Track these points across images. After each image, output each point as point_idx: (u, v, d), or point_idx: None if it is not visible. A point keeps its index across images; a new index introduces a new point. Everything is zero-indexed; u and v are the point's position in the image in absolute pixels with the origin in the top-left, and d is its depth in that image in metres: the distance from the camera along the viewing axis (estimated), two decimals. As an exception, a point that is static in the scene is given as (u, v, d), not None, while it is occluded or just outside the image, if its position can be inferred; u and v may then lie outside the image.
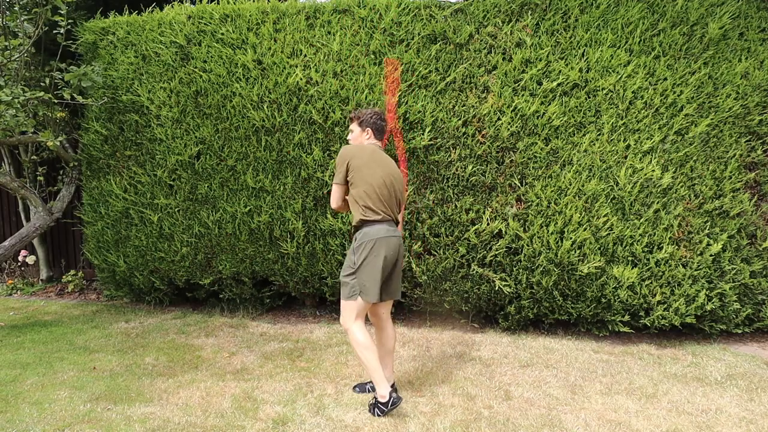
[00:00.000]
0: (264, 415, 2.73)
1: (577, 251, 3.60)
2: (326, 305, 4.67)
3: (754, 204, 3.59)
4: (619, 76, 3.56)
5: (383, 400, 2.62)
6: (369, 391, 2.92)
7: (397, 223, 2.80)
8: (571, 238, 3.58)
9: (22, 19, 4.13)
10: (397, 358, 3.42)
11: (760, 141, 3.56)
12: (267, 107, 3.98)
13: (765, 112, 3.53)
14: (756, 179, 3.60)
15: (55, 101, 4.34)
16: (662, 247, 3.55)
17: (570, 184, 3.61)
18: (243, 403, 2.86)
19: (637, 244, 3.57)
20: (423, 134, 3.74)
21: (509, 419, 2.66)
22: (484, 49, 3.73)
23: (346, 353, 3.59)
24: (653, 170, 3.50)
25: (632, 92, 3.56)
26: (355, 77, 3.87)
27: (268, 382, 3.14)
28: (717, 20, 3.48)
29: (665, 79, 3.54)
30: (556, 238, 3.62)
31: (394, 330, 2.92)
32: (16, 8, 4.11)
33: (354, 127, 2.87)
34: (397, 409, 2.73)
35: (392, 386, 2.83)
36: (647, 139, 3.54)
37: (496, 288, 3.78)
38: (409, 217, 3.85)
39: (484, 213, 3.76)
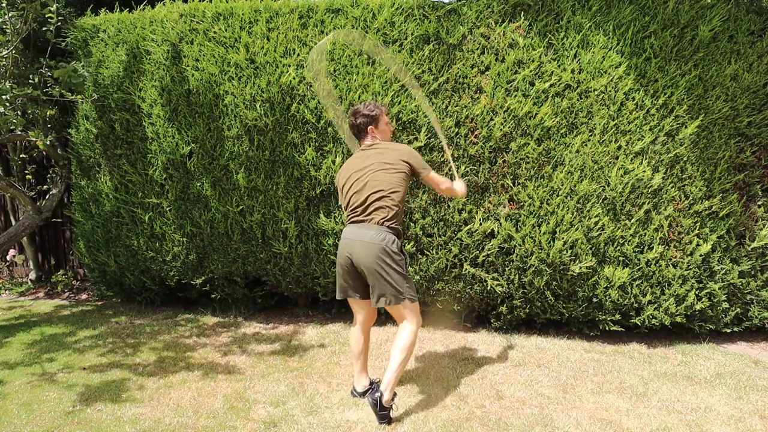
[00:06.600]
0: (256, 415, 2.72)
1: (569, 251, 3.62)
2: (319, 305, 4.66)
3: (743, 205, 3.63)
4: (611, 78, 3.58)
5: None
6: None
7: (375, 221, 2.62)
8: (563, 239, 3.60)
9: (11, 15, 4.07)
10: (389, 358, 3.41)
11: (749, 142, 3.60)
12: (260, 106, 3.97)
13: (754, 114, 3.58)
14: (745, 180, 3.64)
15: (45, 98, 4.29)
16: (653, 247, 3.58)
17: (562, 185, 3.63)
18: (235, 403, 2.85)
19: (628, 245, 3.60)
20: (418, 135, 3.75)
21: (501, 418, 2.67)
22: (477, 49, 3.73)
23: (338, 353, 3.58)
24: (644, 171, 3.53)
25: (624, 94, 3.58)
26: (348, 77, 3.86)
27: (261, 382, 3.13)
28: (707, 23, 3.51)
29: (656, 80, 3.56)
30: (548, 239, 3.63)
31: (364, 335, 2.95)
32: (3, 4, 4.05)
33: None
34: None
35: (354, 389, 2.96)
36: (638, 140, 3.57)
37: (489, 288, 3.79)
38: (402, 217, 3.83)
39: (476, 213, 3.77)
